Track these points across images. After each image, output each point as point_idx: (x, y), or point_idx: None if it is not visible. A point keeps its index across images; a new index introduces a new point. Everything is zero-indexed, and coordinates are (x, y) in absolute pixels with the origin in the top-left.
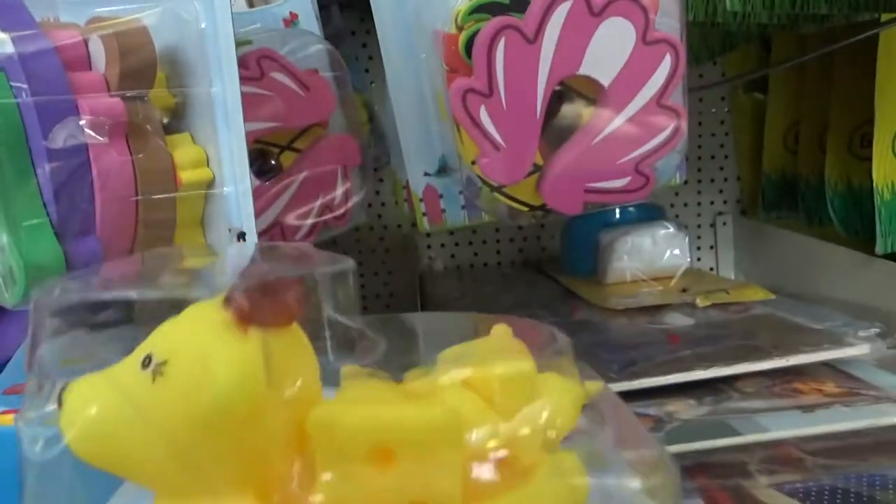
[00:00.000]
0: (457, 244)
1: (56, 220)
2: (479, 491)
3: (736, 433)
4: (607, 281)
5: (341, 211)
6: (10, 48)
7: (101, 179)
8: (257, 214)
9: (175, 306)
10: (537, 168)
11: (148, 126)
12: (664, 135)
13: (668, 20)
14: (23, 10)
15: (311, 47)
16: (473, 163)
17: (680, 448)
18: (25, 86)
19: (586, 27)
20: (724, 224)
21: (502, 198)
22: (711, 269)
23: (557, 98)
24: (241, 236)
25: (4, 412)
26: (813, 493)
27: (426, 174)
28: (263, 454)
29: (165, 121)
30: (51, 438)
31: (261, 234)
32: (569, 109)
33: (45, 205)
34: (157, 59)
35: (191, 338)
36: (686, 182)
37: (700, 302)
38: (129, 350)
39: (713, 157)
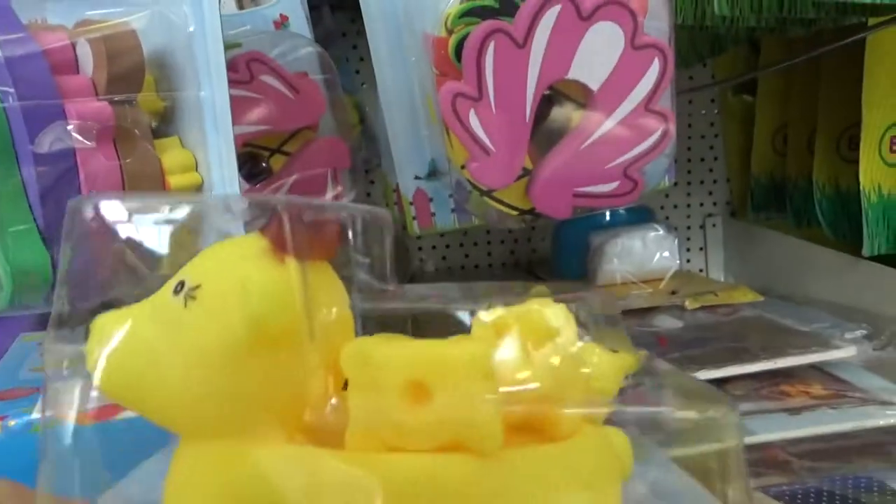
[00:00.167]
0: (448, 246)
1: (43, 225)
2: (518, 439)
3: None
4: (597, 283)
5: None
6: None
7: (88, 184)
8: None
9: None
10: (527, 172)
11: (136, 130)
12: (652, 139)
13: (658, 23)
14: (9, 12)
15: (301, 50)
16: (463, 167)
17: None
18: (12, 90)
19: (575, 32)
20: (714, 225)
21: (492, 202)
22: (701, 271)
23: (547, 102)
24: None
25: None
26: (799, 496)
27: (416, 178)
28: (297, 385)
29: (154, 125)
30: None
31: None
32: (558, 113)
33: (31, 209)
34: (145, 62)
35: (225, 263)
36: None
37: (689, 304)
38: None
39: (703, 159)
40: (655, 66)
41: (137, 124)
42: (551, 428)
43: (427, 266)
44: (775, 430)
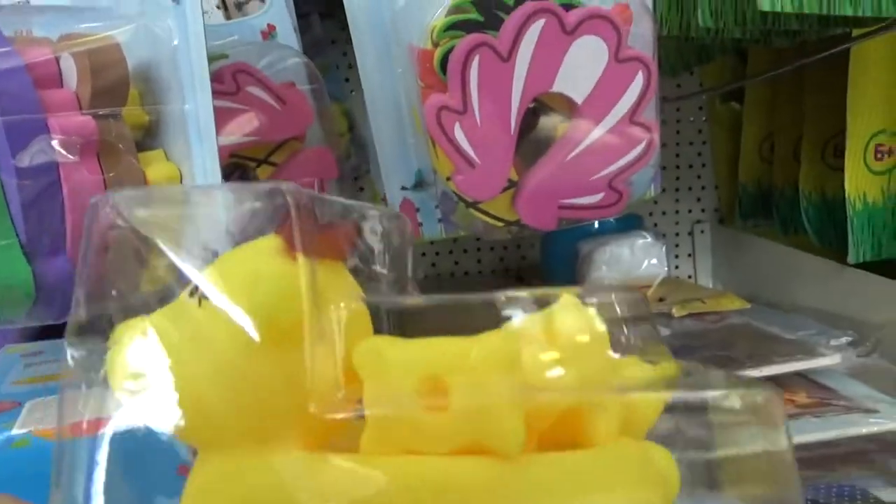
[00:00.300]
0: (437, 253)
1: (25, 240)
2: (544, 442)
3: None
4: None
5: None
6: None
7: (71, 198)
8: None
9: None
10: (512, 184)
11: (120, 144)
12: (637, 151)
13: (640, 30)
14: None
15: (288, 60)
16: (449, 179)
17: None
18: None
19: (559, 45)
20: (702, 232)
21: (478, 213)
22: (690, 277)
23: (532, 115)
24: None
25: None
26: None
27: (403, 188)
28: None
29: (139, 138)
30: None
31: None
32: (543, 126)
33: (13, 224)
34: (129, 76)
35: (238, 263)
36: (664, 190)
37: (676, 312)
38: None
39: (691, 167)
40: (639, 79)
41: (122, 138)
42: (586, 440)
43: (416, 274)
44: None
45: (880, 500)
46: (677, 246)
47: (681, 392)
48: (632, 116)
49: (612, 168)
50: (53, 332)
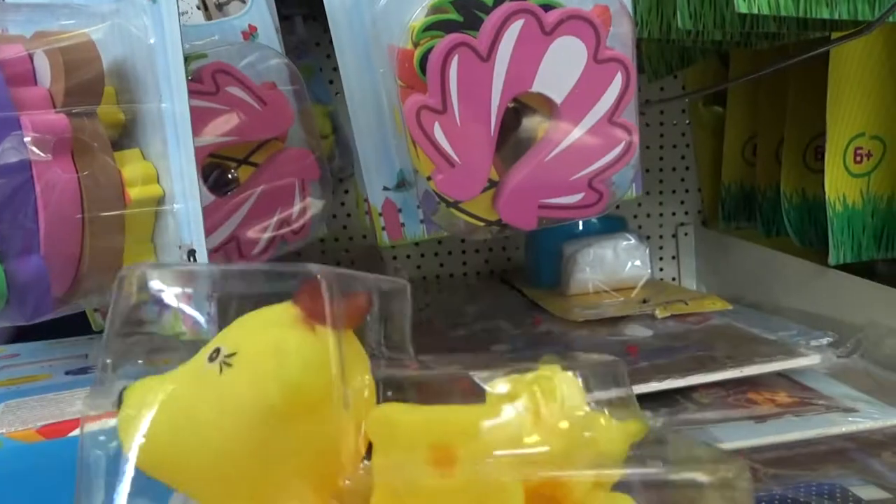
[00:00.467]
0: (422, 255)
1: None
2: (529, 496)
3: None
4: (570, 292)
5: (299, 225)
6: None
7: (44, 197)
8: (214, 229)
9: None
10: (493, 184)
11: (95, 143)
12: (616, 151)
13: (619, 30)
14: None
15: (269, 61)
16: (429, 178)
17: None
18: None
19: (538, 46)
20: (686, 234)
21: (458, 213)
22: (674, 279)
23: (512, 114)
24: (192, 254)
25: None
26: None
27: (385, 189)
28: (330, 451)
29: (115, 137)
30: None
31: (216, 249)
32: (523, 126)
33: None
34: (104, 74)
35: (259, 331)
36: (648, 193)
37: (659, 313)
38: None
39: (674, 169)
40: (618, 80)
41: (96, 137)
42: (563, 495)
43: (402, 275)
44: (741, 438)
45: (859, 497)
46: (661, 248)
47: (650, 469)
48: (611, 117)
49: (592, 168)
50: (32, 334)
